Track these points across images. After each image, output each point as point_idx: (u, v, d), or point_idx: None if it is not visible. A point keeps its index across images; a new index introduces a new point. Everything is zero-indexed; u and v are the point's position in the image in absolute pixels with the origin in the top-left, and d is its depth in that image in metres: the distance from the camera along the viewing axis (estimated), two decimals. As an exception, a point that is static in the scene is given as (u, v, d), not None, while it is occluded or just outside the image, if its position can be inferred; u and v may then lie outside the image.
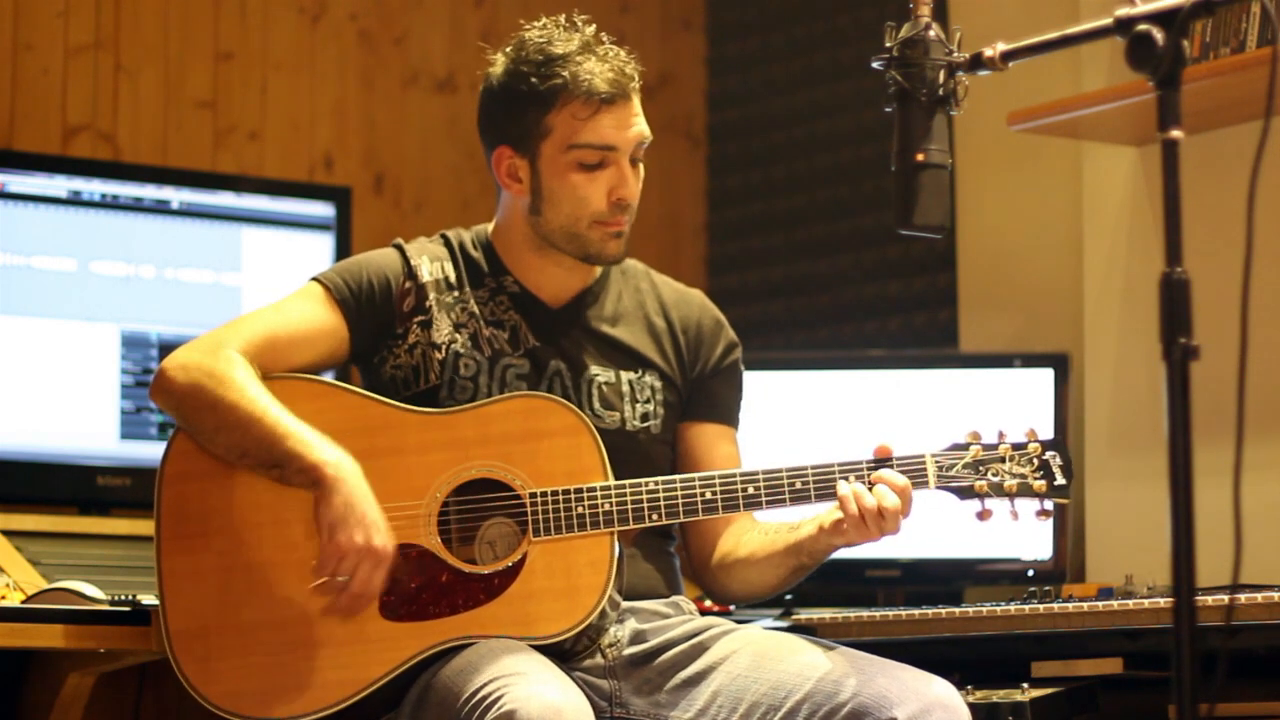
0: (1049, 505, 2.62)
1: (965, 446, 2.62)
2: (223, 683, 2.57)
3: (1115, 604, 2.88)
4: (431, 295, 2.75)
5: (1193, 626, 1.79)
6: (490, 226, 2.84)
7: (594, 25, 2.74)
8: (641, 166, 2.75)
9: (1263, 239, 1.88)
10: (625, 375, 2.77)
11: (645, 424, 2.76)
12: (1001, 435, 2.63)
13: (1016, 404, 3.61)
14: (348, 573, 2.52)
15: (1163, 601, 2.82)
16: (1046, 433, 2.65)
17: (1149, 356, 3.46)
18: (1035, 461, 2.62)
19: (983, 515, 2.61)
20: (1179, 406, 1.80)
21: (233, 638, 2.58)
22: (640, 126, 2.71)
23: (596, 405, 2.74)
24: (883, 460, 2.60)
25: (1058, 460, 2.62)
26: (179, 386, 2.62)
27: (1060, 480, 2.61)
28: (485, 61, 2.78)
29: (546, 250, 2.76)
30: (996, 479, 2.60)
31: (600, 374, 2.76)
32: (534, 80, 2.68)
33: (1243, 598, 2.70)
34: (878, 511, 2.54)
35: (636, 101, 2.72)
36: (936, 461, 2.61)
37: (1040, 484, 2.60)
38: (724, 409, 2.85)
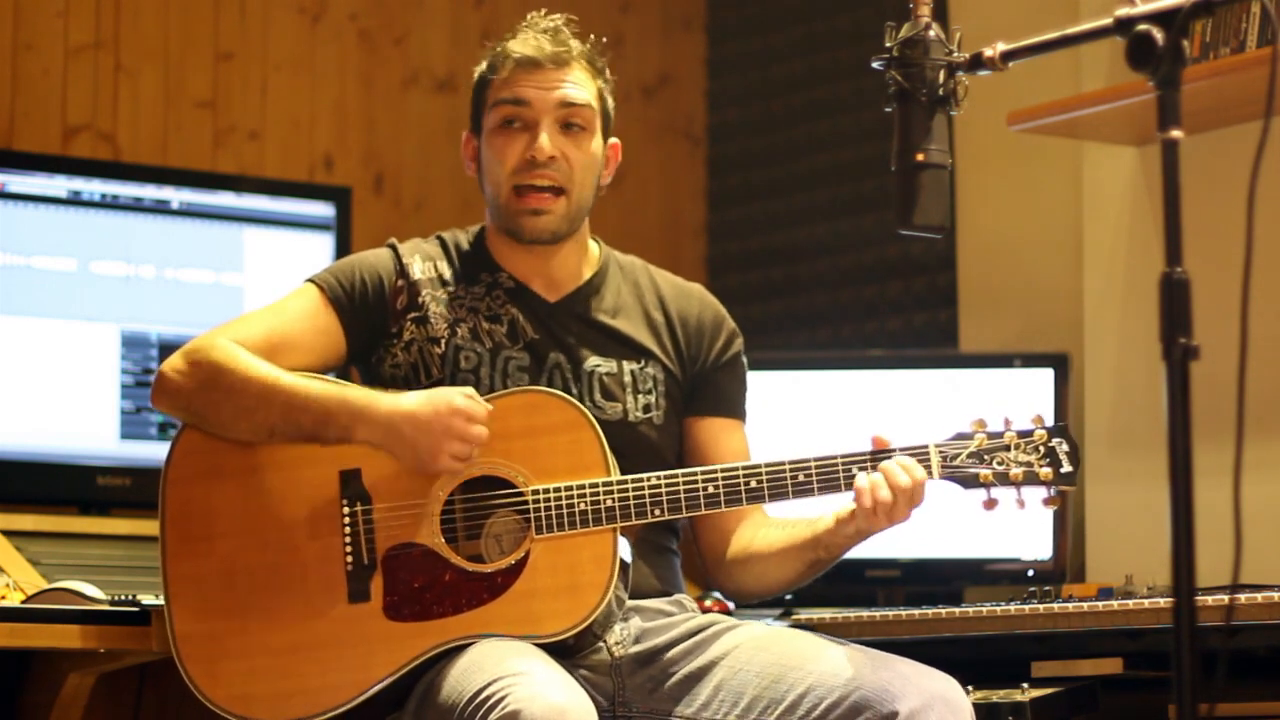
0: (1056, 493, 2.57)
1: (970, 435, 2.59)
2: (228, 686, 2.57)
3: (1115, 604, 2.87)
4: (425, 292, 2.75)
5: (1193, 626, 1.79)
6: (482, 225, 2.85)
7: (561, 16, 2.77)
8: (594, 145, 2.75)
9: (1263, 239, 1.88)
10: (628, 365, 2.77)
11: (647, 415, 2.75)
12: (1007, 423, 2.59)
13: (1016, 404, 3.60)
14: (460, 435, 2.54)
15: (1163, 601, 2.82)
16: (1052, 420, 2.61)
17: (1149, 356, 3.46)
18: (1042, 449, 2.57)
19: (988, 505, 2.57)
20: (1179, 406, 1.80)
21: (237, 641, 2.58)
22: (564, 91, 2.72)
23: (598, 396, 2.73)
24: (882, 451, 2.58)
25: (1064, 447, 2.57)
26: (187, 385, 2.63)
27: (1067, 467, 2.57)
28: None
29: (508, 236, 2.78)
30: (1002, 467, 2.57)
31: (601, 365, 2.75)
32: (483, 65, 2.79)
33: (1243, 598, 2.70)
34: (890, 501, 2.53)
35: (571, 72, 2.73)
36: (940, 451, 2.58)
37: (1047, 472, 2.56)
38: (730, 402, 2.84)
